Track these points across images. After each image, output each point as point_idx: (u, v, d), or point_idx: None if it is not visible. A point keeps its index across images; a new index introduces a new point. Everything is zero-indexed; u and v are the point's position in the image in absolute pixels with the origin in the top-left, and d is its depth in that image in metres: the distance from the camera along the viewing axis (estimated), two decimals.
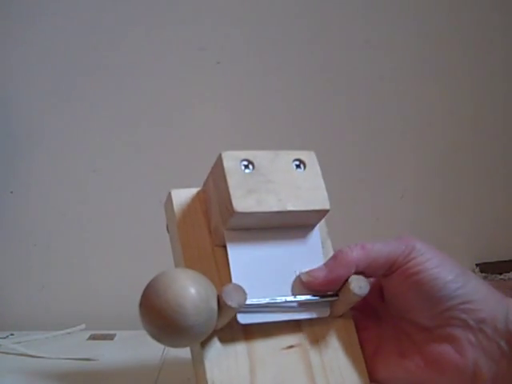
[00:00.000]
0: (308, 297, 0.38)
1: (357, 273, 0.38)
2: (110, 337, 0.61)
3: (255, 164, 0.40)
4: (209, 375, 0.35)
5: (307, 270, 0.39)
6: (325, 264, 0.38)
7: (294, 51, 0.69)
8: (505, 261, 0.71)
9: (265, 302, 0.37)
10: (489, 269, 0.70)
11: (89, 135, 0.70)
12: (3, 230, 0.71)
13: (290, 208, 0.38)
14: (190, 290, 0.34)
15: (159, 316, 0.34)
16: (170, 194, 0.42)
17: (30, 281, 0.71)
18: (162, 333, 0.34)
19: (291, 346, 0.38)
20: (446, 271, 0.37)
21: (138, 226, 0.71)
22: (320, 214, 0.39)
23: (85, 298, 0.70)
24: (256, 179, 0.39)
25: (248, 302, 0.35)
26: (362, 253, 0.38)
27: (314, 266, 0.39)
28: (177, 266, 0.40)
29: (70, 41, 0.68)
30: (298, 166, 0.42)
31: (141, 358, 0.54)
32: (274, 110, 0.70)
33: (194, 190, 0.43)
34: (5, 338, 0.63)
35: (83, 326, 0.65)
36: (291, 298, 0.38)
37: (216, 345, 0.37)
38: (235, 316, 0.36)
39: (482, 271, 0.70)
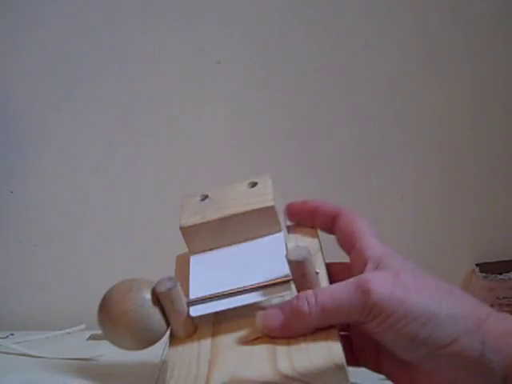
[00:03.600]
0: (262, 280, 0.38)
1: None
2: None
3: (210, 195, 0.43)
4: (169, 371, 0.37)
5: (264, 312, 0.37)
6: (282, 310, 0.37)
7: (295, 51, 0.68)
8: (505, 261, 0.71)
9: (217, 292, 0.38)
10: (489, 269, 0.70)
11: (89, 135, 0.70)
12: (3, 230, 0.71)
13: (229, 212, 0.40)
14: (118, 284, 0.39)
15: (99, 315, 0.38)
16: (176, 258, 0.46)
17: (30, 281, 0.71)
18: (105, 328, 0.38)
19: (257, 338, 0.37)
20: (409, 326, 0.35)
21: (138, 226, 0.71)
22: (266, 213, 0.40)
23: (85, 298, 0.69)
24: (207, 204, 0.42)
25: (200, 295, 0.37)
26: (322, 314, 0.36)
27: (276, 264, 0.38)
28: None
29: (70, 41, 0.68)
30: (252, 187, 0.43)
31: (141, 358, 0.54)
32: (274, 109, 0.70)
33: None
34: (5, 338, 0.63)
35: (83, 326, 0.65)
36: (243, 285, 0.38)
37: (182, 346, 0.38)
38: (202, 319, 0.38)
39: (481, 271, 0.70)
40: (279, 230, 0.41)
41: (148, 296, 0.37)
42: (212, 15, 0.68)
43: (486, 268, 0.70)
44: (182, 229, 0.40)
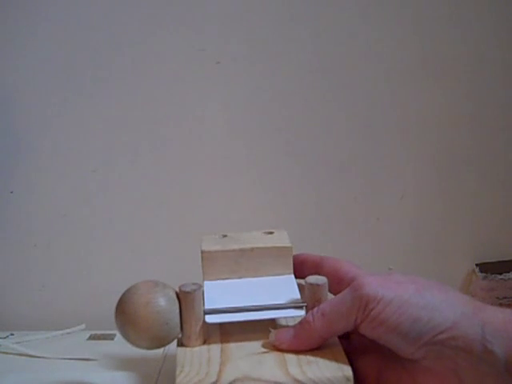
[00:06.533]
0: (278, 302, 0.41)
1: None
2: (110, 337, 0.61)
3: (228, 235, 0.46)
4: (179, 368, 0.38)
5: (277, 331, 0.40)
6: (293, 329, 0.39)
7: (295, 51, 0.68)
8: (505, 261, 0.71)
9: (234, 306, 0.40)
10: (489, 269, 0.70)
11: (89, 135, 0.70)
12: (3, 230, 0.71)
13: (250, 245, 0.43)
14: (144, 280, 0.41)
15: (121, 311, 0.39)
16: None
17: (30, 280, 0.71)
18: (124, 317, 0.39)
19: (266, 352, 0.39)
20: (409, 311, 0.36)
21: (138, 226, 0.71)
22: (284, 253, 0.43)
23: (85, 298, 0.70)
24: (227, 240, 0.45)
25: (217, 306, 0.40)
26: (323, 320, 0.38)
27: (289, 295, 0.41)
28: None
29: (70, 41, 0.68)
30: (268, 234, 0.47)
31: (141, 358, 0.54)
32: (274, 109, 0.70)
33: None
34: (5, 338, 0.63)
35: (83, 326, 0.65)
36: (260, 303, 0.40)
37: (191, 350, 0.40)
38: (209, 332, 0.40)
39: (481, 271, 0.70)
40: (291, 273, 0.44)
41: (172, 293, 0.40)
42: (212, 15, 0.68)
43: (486, 268, 0.70)
44: (203, 252, 0.43)
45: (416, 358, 0.37)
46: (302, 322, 0.39)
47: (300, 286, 0.43)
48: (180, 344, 0.40)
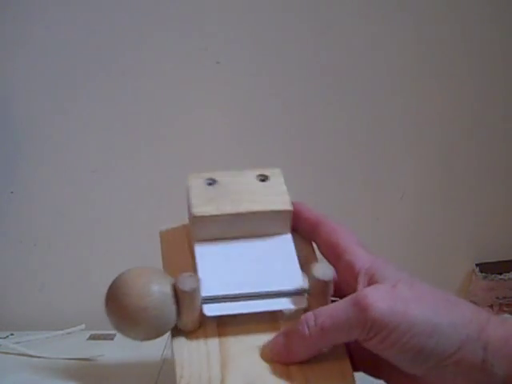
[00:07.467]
0: (280, 288, 0.38)
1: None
2: (110, 337, 0.61)
3: (218, 180, 0.41)
4: (178, 370, 0.35)
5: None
6: (285, 335, 0.37)
7: (295, 51, 0.69)
8: (505, 261, 0.71)
9: (233, 293, 0.37)
10: (489, 269, 0.70)
11: (89, 135, 0.70)
12: (3, 230, 0.71)
13: (245, 208, 0.39)
14: (138, 275, 0.38)
15: (111, 302, 0.37)
16: (159, 233, 0.44)
17: (30, 280, 0.71)
18: (118, 318, 0.37)
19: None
20: (415, 339, 0.34)
21: (138, 226, 0.71)
22: (283, 215, 0.40)
23: (85, 298, 0.70)
24: (217, 190, 0.40)
25: (214, 293, 0.37)
26: (322, 334, 0.36)
27: (288, 268, 0.39)
28: None
29: (70, 40, 0.68)
30: (262, 181, 0.42)
31: (141, 358, 0.55)
32: (274, 109, 0.70)
33: (181, 226, 0.43)
34: (5, 338, 0.63)
35: (83, 326, 0.65)
36: (261, 290, 0.38)
37: (188, 343, 0.37)
38: (208, 316, 0.37)
39: (481, 271, 0.70)
40: (288, 232, 0.41)
41: (168, 291, 0.37)
42: (212, 15, 0.68)
43: (486, 268, 0.70)
44: (195, 217, 0.39)
45: (418, 376, 0.36)
46: (295, 333, 0.36)
47: (296, 243, 0.41)
48: (174, 330, 0.38)
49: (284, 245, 0.40)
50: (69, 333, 0.64)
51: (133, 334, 0.37)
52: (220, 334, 0.38)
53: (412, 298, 0.36)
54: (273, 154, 0.70)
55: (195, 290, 0.36)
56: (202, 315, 0.37)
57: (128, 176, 0.70)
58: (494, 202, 0.72)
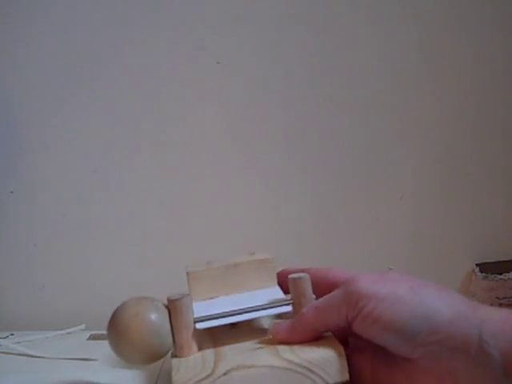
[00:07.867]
0: (264, 302, 0.42)
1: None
2: None
3: (213, 261, 0.47)
4: (174, 373, 0.38)
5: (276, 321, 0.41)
6: (290, 322, 0.40)
7: (295, 51, 0.69)
8: (505, 261, 0.71)
9: (222, 311, 0.41)
10: (489, 269, 0.70)
11: (89, 135, 0.70)
12: (3, 230, 0.71)
13: (233, 261, 0.45)
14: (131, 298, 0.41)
15: (112, 326, 0.40)
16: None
17: (31, 280, 0.71)
18: (115, 333, 0.40)
19: (260, 348, 0.39)
20: (403, 308, 0.35)
21: (138, 226, 0.71)
22: (267, 264, 0.45)
23: (85, 298, 0.70)
24: (211, 263, 0.46)
25: (206, 313, 0.41)
26: (316, 314, 0.39)
27: (272, 295, 0.43)
28: None
29: (70, 40, 0.68)
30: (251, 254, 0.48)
31: None
32: (274, 110, 0.70)
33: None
34: (5, 338, 0.63)
35: (83, 326, 0.65)
36: (247, 305, 0.41)
37: (185, 359, 0.40)
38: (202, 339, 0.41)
39: (481, 271, 0.70)
40: (275, 285, 0.45)
41: (160, 304, 0.40)
42: (212, 15, 0.68)
43: (486, 268, 0.70)
44: (189, 273, 0.44)
45: (413, 358, 0.36)
46: (298, 316, 0.40)
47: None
48: (174, 356, 0.41)
49: (273, 292, 0.44)
50: (69, 333, 0.64)
51: (127, 349, 0.40)
52: (216, 347, 0.41)
53: (401, 278, 0.37)
54: (272, 154, 0.70)
55: (182, 299, 0.40)
56: (198, 342, 0.40)
57: (128, 176, 0.70)
58: (494, 202, 0.72)
